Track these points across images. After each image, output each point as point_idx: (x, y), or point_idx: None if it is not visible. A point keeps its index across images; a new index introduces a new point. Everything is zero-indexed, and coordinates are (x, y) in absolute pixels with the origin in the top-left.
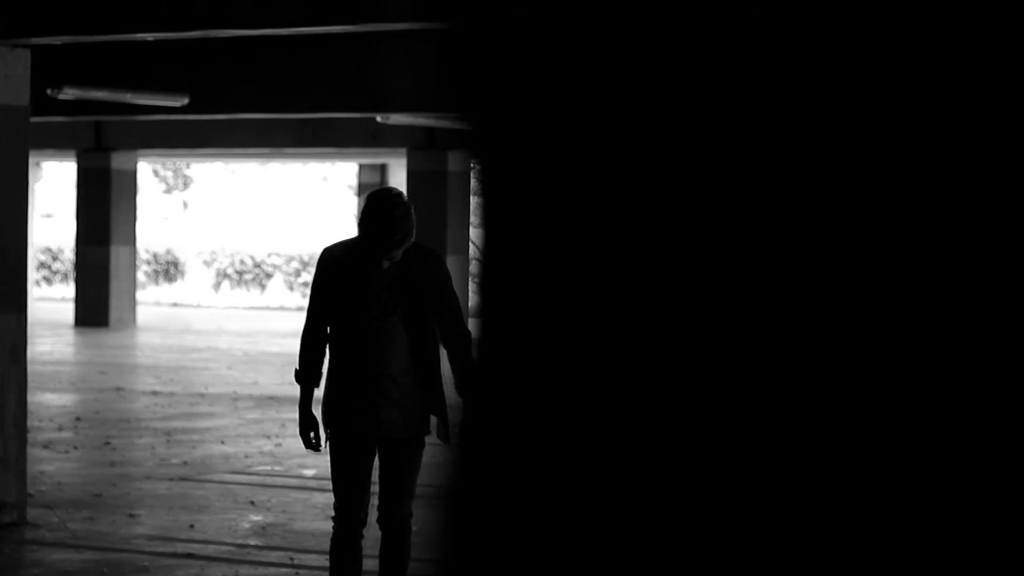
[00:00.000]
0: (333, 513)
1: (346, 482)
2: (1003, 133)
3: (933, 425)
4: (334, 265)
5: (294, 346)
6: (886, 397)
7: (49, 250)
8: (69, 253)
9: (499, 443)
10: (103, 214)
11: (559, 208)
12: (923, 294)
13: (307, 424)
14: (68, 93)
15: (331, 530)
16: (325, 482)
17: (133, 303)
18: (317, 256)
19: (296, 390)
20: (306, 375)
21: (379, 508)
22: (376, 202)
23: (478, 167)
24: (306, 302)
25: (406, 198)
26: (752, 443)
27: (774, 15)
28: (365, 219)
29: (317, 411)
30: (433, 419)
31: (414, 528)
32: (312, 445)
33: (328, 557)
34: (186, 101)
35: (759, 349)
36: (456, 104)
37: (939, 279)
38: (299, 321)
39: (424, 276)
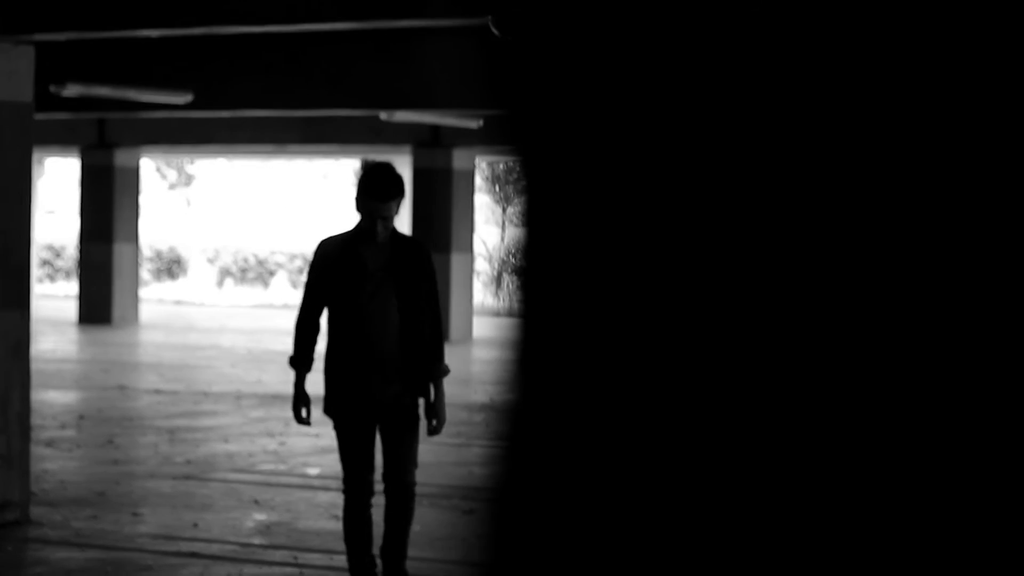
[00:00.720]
0: (343, 487)
1: (353, 460)
2: (1003, 133)
3: (933, 425)
4: (331, 252)
5: None
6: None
7: (52, 247)
8: (72, 250)
9: (548, 447)
10: (106, 211)
11: (609, 207)
12: (924, 294)
13: (300, 400)
14: (72, 90)
15: (336, 528)
16: (329, 480)
17: (136, 300)
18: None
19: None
20: (300, 360)
21: (384, 477)
22: (373, 166)
23: (522, 165)
24: None
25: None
26: (812, 450)
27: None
28: (365, 177)
29: (309, 394)
30: (422, 402)
31: (416, 528)
32: (304, 420)
33: (342, 531)
34: (190, 98)
35: (814, 354)
36: (501, 101)
37: (939, 279)
38: None
39: (415, 261)
